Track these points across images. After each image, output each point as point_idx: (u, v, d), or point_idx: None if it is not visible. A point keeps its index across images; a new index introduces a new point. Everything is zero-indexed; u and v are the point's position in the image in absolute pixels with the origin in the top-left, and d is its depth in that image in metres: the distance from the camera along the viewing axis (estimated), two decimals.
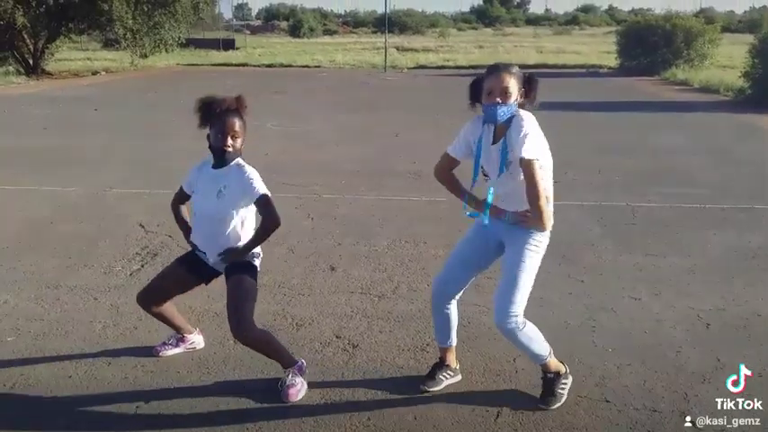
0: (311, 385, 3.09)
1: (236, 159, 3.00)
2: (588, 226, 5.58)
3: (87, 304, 4.01)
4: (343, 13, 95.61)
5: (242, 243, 3.04)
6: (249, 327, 2.89)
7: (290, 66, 26.63)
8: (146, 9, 21.32)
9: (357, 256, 4.89)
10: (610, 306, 4.00)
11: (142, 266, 4.63)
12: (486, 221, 2.85)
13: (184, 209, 3.28)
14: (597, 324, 3.75)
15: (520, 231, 2.83)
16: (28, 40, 20.98)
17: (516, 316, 2.79)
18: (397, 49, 33.10)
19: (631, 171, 7.70)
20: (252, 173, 2.97)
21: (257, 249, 3.10)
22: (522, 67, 2.87)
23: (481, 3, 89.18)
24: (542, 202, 2.68)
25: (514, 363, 3.31)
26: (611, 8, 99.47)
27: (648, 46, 21.88)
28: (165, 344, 3.39)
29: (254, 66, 26.11)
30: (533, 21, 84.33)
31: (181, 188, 3.20)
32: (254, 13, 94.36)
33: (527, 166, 2.64)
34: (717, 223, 5.74)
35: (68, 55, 25.59)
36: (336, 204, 6.34)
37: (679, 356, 3.39)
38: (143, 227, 5.48)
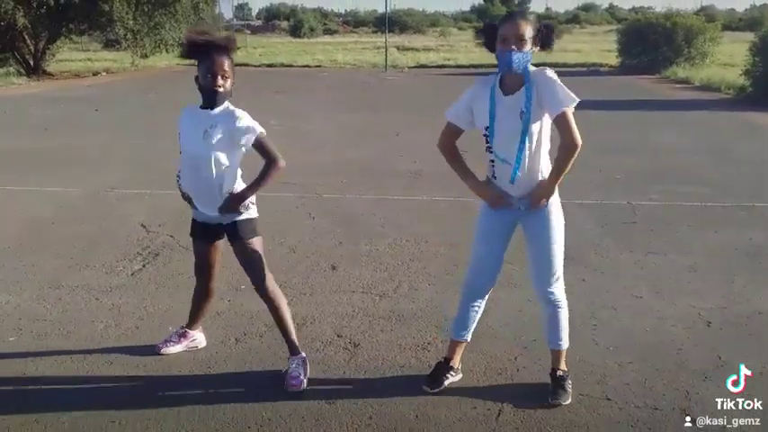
0: (313, 383, 3.09)
1: (226, 102, 2.92)
2: (589, 225, 5.58)
3: (89, 304, 4.01)
4: (343, 12, 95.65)
5: (237, 188, 2.98)
6: (269, 288, 3.07)
7: (291, 66, 26.62)
8: (146, 9, 21.30)
9: (358, 255, 4.90)
10: (611, 304, 4.01)
11: (143, 266, 4.63)
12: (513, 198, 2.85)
13: None
14: (598, 322, 3.75)
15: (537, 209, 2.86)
16: (29, 41, 20.98)
17: (560, 290, 2.94)
18: (398, 48, 33.08)
19: (632, 169, 7.70)
20: (242, 115, 2.89)
21: (252, 198, 3.03)
22: None
23: (482, 2, 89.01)
24: (578, 151, 2.71)
25: (516, 361, 3.32)
26: (611, 6, 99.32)
27: (649, 44, 21.86)
28: (167, 341, 3.39)
29: (255, 66, 26.09)
30: None
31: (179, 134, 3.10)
32: (254, 13, 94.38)
33: (565, 117, 2.66)
34: (718, 221, 5.73)
35: (69, 56, 25.60)
36: (337, 204, 6.34)
37: (680, 354, 3.39)
38: (144, 227, 5.49)
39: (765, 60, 14.39)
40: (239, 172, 3.04)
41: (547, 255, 2.88)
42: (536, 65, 2.73)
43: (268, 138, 2.94)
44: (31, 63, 21.07)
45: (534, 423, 2.82)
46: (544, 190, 2.82)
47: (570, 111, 2.69)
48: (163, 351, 3.35)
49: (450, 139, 2.94)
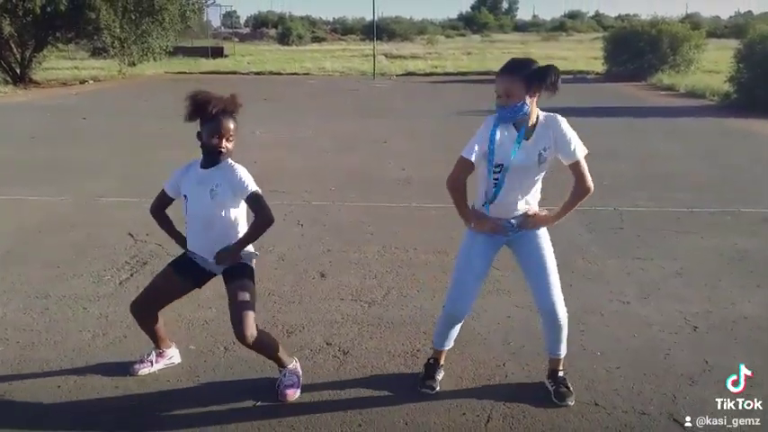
0: (302, 391, 3.09)
1: (226, 159, 3.00)
2: (576, 231, 5.61)
3: (76, 314, 3.99)
4: (331, 20, 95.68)
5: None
6: (254, 332, 2.92)
7: (280, 73, 26.63)
8: (133, 17, 21.26)
9: (347, 262, 4.90)
10: (598, 310, 4.03)
11: (131, 275, 4.61)
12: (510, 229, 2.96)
13: (166, 217, 3.23)
14: (586, 328, 3.77)
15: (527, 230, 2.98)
16: (15, 49, 20.86)
17: (561, 301, 2.98)
18: (386, 56, 33.16)
19: (619, 176, 7.75)
20: (242, 171, 2.97)
21: (251, 248, 3.08)
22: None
23: (469, 10, 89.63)
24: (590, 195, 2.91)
25: (504, 367, 3.33)
26: (597, 14, 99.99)
27: (635, 51, 22.08)
28: (142, 362, 3.29)
29: (243, 74, 26.10)
30: (521, 27, 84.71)
31: (163, 191, 3.16)
32: (242, 21, 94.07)
33: (580, 164, 2.85)
34: (703, 227, 5.79)
35: (56, 64, 25.46)
36: (326, 211, 6.35)
37: (667, 359, 3.42)
38: (132, 236, 5.47)
39: (750, 67, 14.57)
40: (245, 225, 3.08)
41: (543, 269, 2.95)
42: (544, 109, 2.88)
43: (262, 195, 2.98)
44: (18, 71, 20.95)
45: (523, 429, 2.83)
46: (545, 220, 2.98)
47: (584, 160, 2.88)
48: (139, 373, 3.25)
49: (463, 175, 2.90)
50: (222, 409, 2.97)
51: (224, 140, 2.94)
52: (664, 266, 4.79)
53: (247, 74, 26.12)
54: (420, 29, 68.51)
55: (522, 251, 3.01)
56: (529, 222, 2.95)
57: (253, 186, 2.95)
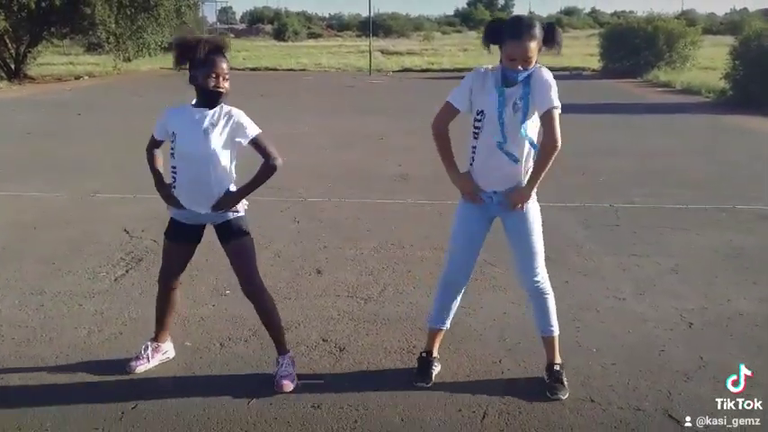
0: (299, 387, 3.09)
1: (222, 103, 2.95)
2: (572, 227, 5.62)
3: (72, 310, 3.98)
4: (327, 16, 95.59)
5: (233, 187, 3.00)
6: (261, 286, 3.07)
7: (276, 69, 26.59)
8: (128, 13, 21.18)
9: (343, 259, 4.90)
10: (594, 306, 4.04)
11: (127, 272, 4.60)
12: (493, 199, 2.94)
13: (159, 154, 3.14)
14: (582, 324, 3.78)
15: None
16: (10, 45, 20.78)
17: (545, 280, 3.01)
18: (382, 52, 33.13)
19: (615, 172, 7.77)
20: (240, 115, 2.94)
21: (244, 200, 3.06)
22: None
23: (465, 6, 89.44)
24: (556, 153, 2.78)
25: (500, 363, 3.34)
26: (594, 11, 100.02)
27: (631, 48, 22.09)
28: (138, 359, 3.24)
29: (239, 69, 26.01)
30: None
31: (153, 137, 3.10)
32: (238, 17, 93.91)
33: (551, 115, 2.73)
34: (699, 223, 5.80)
35: (51, 59, 25.37)
36: (322, 208, 6.34)
37: (662, 355, 3.43)
38: (128, 232, 5.45)
39: (745, 64, 14.59)
40: (234, 171, 3.04)
41: (528, 246, 2.96)
42: None
43: (266, 136, 2.98)
44: (12, 67, 20.87)
45: (519, 425, 2.83)
46: (522, 194, 2.91)
47: (557, 112, 2.76)
48: (136, 370, 3.21)
49: (445, 118, 2.93)
50: (218, 404, 2.96)
51: (221, 80, 2.88)
52: (659, 263, 4.80)
53: (243, 69, 26.05)
54: (416, 25, 68.50)
55: (509, 225, 3.01)
56: (510, 203, 2.92)
57: (256, 129, 2.94)
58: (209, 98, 2.91)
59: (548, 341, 3.13)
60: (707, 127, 11.92)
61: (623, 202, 6.46)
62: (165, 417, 2.88)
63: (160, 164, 3.14)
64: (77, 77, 22.02)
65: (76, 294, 4.20)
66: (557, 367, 3.09)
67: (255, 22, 74.88)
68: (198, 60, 2.85)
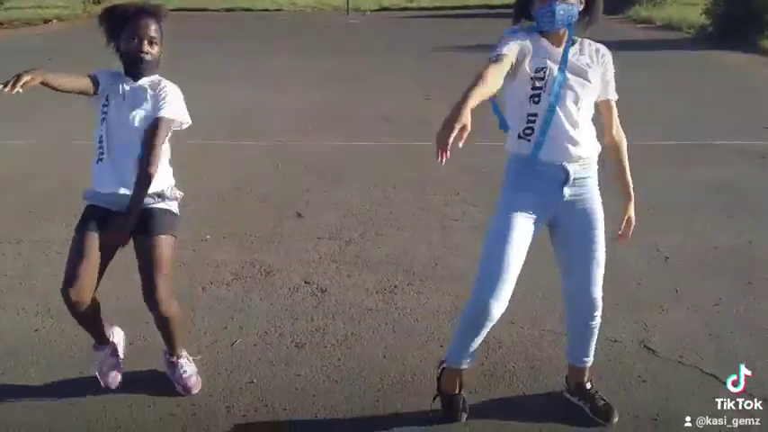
0: (282, 329, 3.12)
1: (156, 74, 2.53)
2: None
3: (50, 257, 3.95)
4: None
5: (163, 171, 2.52)
6: (168, 303, 2.54)
7: (250, 9, 25.86)
8: None
9: (325, 202, 4.89)
10: None
11: None
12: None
13: (66, 78, 2.58)
14: None
15: (586, 196, 2.50)
16: None
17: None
18: None
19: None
20: (170, 90, 2.48)
21: (178, 193, 2.60)
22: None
23: None
24: None
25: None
26: None
27: None
28: (108, 373, 2.67)
29: (214, 10, 25.29)
30: None
31: (91, 76, 2.55)
32: None
33: (614, 106, 2.49)
34: (677, 160, 5.83)
35: (19, 3, 24.45)
36: (303, 151, 6.28)
37: (639, 288, 3.50)
38: None
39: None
40: (168, 153, 2.60)
41: (595, 253, 2.47)
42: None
43: (169, 128, 2.49)
44: None
45: (499, 357, 2.89)
46: (631, 215, 2.70)
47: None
48: (117, 385, 2.67)
49: (499, 70, 2.11)
50: (202, 347, 2.98)
51: (145, 43, 2.43)
52: (639, 200, 4.73)
53: (218, 11, 25.33)
54: None
55: (571, 227, 2.45)
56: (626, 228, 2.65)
57: (168, 111, 2.43)
58: (132, 63, 2.47)
59: (578, 371, 2.60)
60: (687, 63, 11.85)
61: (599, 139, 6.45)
62: (147, 371, 2.85)
63: (63, 80, 2.57)
64: (46, 21, 21.27)
65: (55, 243, 4.13)
66: (589, 385, 2.59)
67: None
68: (124, 25, 2.46)
